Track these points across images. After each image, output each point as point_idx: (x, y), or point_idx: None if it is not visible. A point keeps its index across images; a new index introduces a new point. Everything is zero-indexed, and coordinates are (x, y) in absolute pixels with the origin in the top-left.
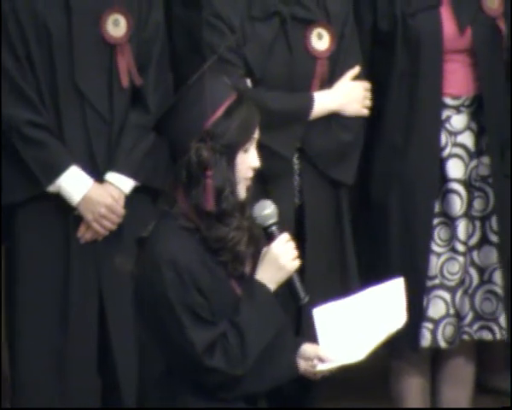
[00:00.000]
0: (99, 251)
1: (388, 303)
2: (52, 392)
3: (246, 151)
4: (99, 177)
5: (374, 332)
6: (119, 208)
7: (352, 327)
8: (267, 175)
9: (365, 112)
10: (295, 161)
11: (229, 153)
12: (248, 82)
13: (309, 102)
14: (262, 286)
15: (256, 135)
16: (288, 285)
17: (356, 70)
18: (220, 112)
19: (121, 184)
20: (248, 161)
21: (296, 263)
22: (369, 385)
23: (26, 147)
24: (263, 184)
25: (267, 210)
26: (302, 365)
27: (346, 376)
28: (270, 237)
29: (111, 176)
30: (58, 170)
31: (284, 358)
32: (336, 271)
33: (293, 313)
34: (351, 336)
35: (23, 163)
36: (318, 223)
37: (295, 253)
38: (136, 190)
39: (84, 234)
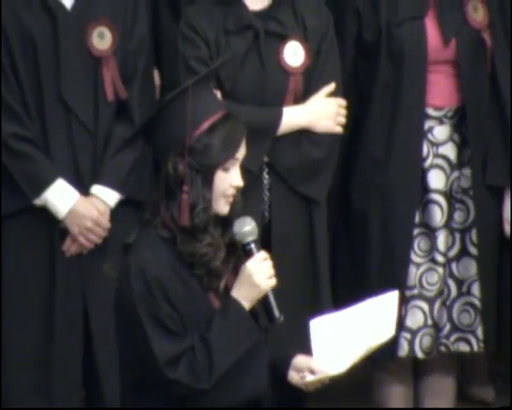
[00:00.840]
0: (84, 264)
1: (381, 315)
2: (36, 404)
3: (226, 170)
4: (84, 189)
5: (363, 344)
6: (105, 222)
7: (346, 339)
8: None
9: (338, 129)
10: (265, 175)
11: (206, 171)
12: (218, 94)
13: (277, 117)
14: (235, 303)
15: (240, 155)
16: (262, 303)
17: (331, 86)
18: (202, 128)
19: (106, 197)
20: (229, 179)
21: (271, 282)
22: (351, 394)
23: (11, 160)
24: None
25: (247, 227)
26: (294, 377)
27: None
28: (247, 254)
29: (96, 189)
30: (44, 183)
31: (255, 375)
32: (306, 288)
33: None
34: (343, 348)
35: (9, 176)
36: (286, 238)
37: (271, 272)
38: (121, 203)
39: (69, 247)
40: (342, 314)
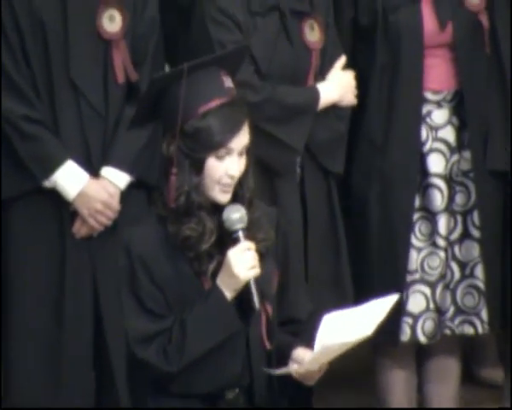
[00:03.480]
0: (94, 247)
1: (374, 315)
2: (46, 388)
3: (220, 159)
4: (94, 171)
5: (347, 340)
6: (115, 204)
7: (342, 335)
8: (274, 169)
9: (355, 101)
10: None
11: (195, 156)
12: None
13: (316, 95)
14: (217, 290)
15: (236, 145)
16: (245, 292)
17: (343, 59)
18: (197, 113)
19: (117, 179)
20: (224, 168)
21: (252, 273)
22: (356, 377)
23: (21, 142)
24: (269, 178)
25: (235, 214)
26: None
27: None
28: (234, 242)
29: (106, 171)
30: (54, 165)
31: (227, 366)
32: (331, 267)
33: None
34: (337, 344)
35: (18, 158)
36: (318, 215)
37: (252, 262)
38: (131, 186)
39: (79, 229)
40: (349, 312)
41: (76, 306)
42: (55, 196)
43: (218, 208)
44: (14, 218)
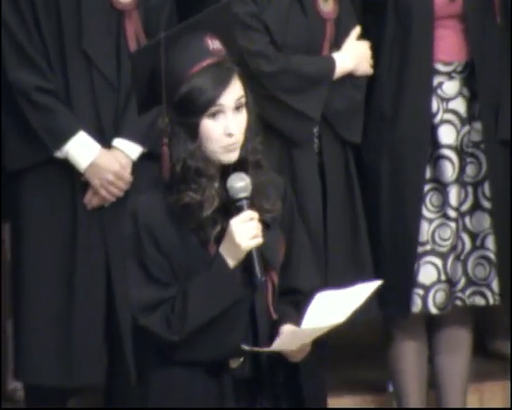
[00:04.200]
0: (105, 217)
1: (353, 301)
2: (59, 363)
3: (213, 117)
4: (106, 142)
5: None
6: (127, 175)
7: (326, 316)
8: (292, 139)
9: (371, 71)
10: None
11: (188, 123)
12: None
13: (331, 64)
14: (219, 258)
15: (226, 101)
16: (247, 261)
17: (358, 29)
18: (185, 79)
19: (129, 150)
20: (221, 127)
21: (253, 242)
22: (368, 350)
23: (33, 112)
24: (287, 149)
25: (239, 183)
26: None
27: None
28: (237, 211)
29: (118, 142)
30: (66, 136)
31: (232, 333)
32: (350, 240)
33: None
34: (320, 324)
35: (29, 129)
36: (337, 185)
37: (254, 232)
38: (142, 157)
39: (90, 200)
40: (339, 292)
41: (88, 278)
42: (66, 166)
43: (229, 173)
44: (26, 188)
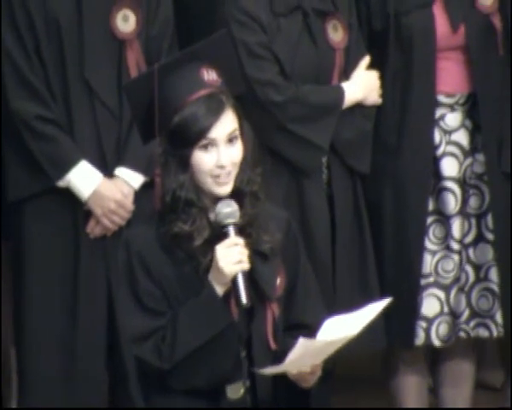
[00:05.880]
0: (108, 247)
1: (365, 317)
2: (60, 386)
3: (204, 149)
4: (108, 172)
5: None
6: (129, 204)
7: (340, 330)
8: (300, 168)
9: (380, 101)
10: None
11: (179, 154)
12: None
13: (341, 93)
14: (208, 285)
15: (217, 134)
16: (232, 287)
17: (367, 59)
18: (177, 110)
19: (131, 179)
20: (212, 158)
21: (238, 267)
22: (368, 380)
23: (35, 141)
24: (296, 179)
25: (226, 209)
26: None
27: (347, 372)
28: (224, 237)
29: (120, 171)
30: (68, 165)
31: (220, 361)
32: (358, 269)
33: None
34: (321, 343)
35: (31, 158)
36: (346, 215)
37: (239, 257)
38: (144, 186)
39: (93, 229)
40: (347, 317)
41: (90, 305)
42: (69, 195)
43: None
44: (28, 217)
